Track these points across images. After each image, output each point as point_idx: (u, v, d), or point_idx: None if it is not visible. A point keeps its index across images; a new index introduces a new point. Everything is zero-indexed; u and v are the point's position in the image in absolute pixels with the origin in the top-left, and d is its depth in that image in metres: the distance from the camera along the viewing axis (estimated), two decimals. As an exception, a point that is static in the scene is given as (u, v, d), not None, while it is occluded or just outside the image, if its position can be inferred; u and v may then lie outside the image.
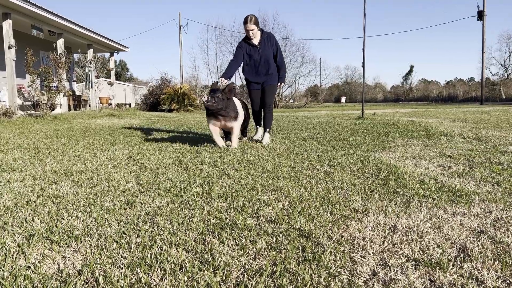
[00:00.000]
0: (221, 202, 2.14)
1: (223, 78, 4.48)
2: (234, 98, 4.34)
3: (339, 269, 1.36)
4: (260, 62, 4.81)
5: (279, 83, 4.93)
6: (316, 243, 1.58)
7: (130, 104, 23.43)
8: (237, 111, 4.27)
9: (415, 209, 2.02)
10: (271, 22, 34.18)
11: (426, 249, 1.52)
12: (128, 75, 57.35)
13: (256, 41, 4.79)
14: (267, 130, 4.96)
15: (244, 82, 5.60)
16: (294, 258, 1.44)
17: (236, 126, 4.27)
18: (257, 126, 5.22)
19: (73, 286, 1.26)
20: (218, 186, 2.48)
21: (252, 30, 4.66)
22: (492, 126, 6.75)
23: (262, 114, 5.10)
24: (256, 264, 1.40)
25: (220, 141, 4.33)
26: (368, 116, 10.07)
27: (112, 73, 17.70)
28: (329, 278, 1.30)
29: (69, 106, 14.35)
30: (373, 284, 1.28)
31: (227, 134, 4.87)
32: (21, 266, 1.38)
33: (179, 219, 1.85)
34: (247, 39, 4.80)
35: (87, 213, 1.97)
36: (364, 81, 10.70)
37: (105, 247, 1.54)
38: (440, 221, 1.84)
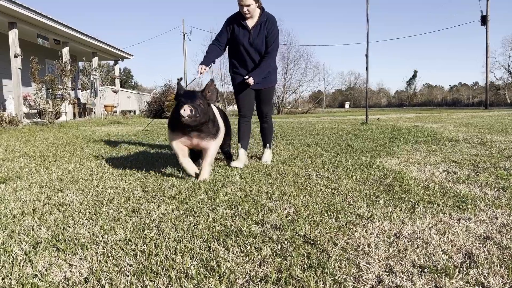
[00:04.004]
0: (226, 209, 2.15)
1: (202, 66, 3.32)
2: (211, 105, 3.07)
3: (344, 276, 1.36)
4: (248, 54, 3.54)
5: (245, 77, 3.49)
6: (321, 250, 1.58)
7: (134, 111, 23.54)
8: (218, 125, 3.01)
9: (420, 215, 2.01)
10: (274, 28, 34.28)
11: (432, 255, 1.52)
12: (133, 83, 57.66)
13: (251, 22, 3.48)
14: (267, 145, 3.80)
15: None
16: (299, 265, 1.44)
17: (213, 147, 2.96)
18: (239, 144, 3.66)
19: (80, 294, 1.27)
20: (223, 193, 2.49)
21: (248, 6, 3.35)
22: (497, 131, 6.71)
23: (245, 127, 3.70)
24: (261, 271, 1.40)
25: (192, 167, 2.97)
26: (372, 122, 10.06)
27: (117, 81, 17.83)
28: (335, 285, 1.30)
29: (74, 113, 14.45)
30: (379, 291, 1.28)
31: (195, 155, 3.39)
32: (28, 274, 1.39)
33: (184, 226, 1.86)
34: (240, 16, 3.49)
35: (93, 220, 1.98)
36: (367, 86, 10.70)
37: (111, 254, 1.55)
38: (445, 227, 1.83)
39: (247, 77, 3.47)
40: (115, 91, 17.34)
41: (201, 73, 3.29)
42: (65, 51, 12.69)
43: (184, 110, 2.61)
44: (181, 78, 2.97)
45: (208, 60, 3.41)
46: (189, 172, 2.94)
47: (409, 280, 1.34)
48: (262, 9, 3.51)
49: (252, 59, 3.56)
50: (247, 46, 3.51)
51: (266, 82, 3.65)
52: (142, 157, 4.18)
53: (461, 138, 5.59)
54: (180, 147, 2.94)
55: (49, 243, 1.66)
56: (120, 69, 19.44)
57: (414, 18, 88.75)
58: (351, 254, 1.54)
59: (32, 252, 1.57)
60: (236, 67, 3.63)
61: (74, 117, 14.37)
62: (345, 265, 1.44)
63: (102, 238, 1.72)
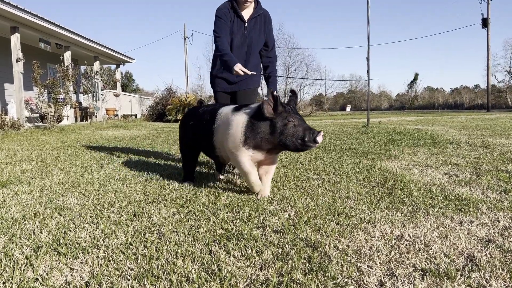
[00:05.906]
0: (227, 213, 2.14)
1: (240, 66, 2.86)
2: None
3: (345, 280, 1.36)
4: (240, 49, 3.16)
5: (272, 91, 3.36)
6: (322, 253, 1.57)
7: (136, 115, 23.59)
8: None
9: (422, 218, 2.01)
10: (276, 31, 34.33)
11: (434, 258, 1.51)
12: (134, 86, 57.78)
13: (246, 14, 3.14)
14: None
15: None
16: (301, 268, 1.44)
17: (277, 160, 2.67)
18: None
19: (81, 298, 1.27)
20: (224, 197, 2.49)
21: None
22: (499, 134, 6.70)
23: None
24: (263, 275, 1.40)
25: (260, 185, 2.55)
26: (373, 125, 10.05)
27: (118, 85, 17.87)
28: (336, 289, 1.30)
29: (75, 117, 14.49)
30: (380, 295, 1.27)
31: (220, 165, 3.15)
32: (29, 278, 1.39)
33: (185, 230, 1.86)
34: (235, 5, 3.11)
35: (94, 224, 1.98)
36: (369, 89, 10.70)
37: (112, 258, 1.55)
38: (447, 230, 1.83)
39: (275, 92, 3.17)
40: (117, 95, 17.39)
41: (240, 72, 2.84)
42: (67, 55, 12.74)
43: (320, 136, 2.30)
44: (274, 90, 2.42)
45: (235, 57, 2.96)
46: (257, 190, 2.50)
47: (410, 283, 1.33)
48: (257, 1, 3.19)
49: (242, 54, 3.17)
50: (241, 39, 3.14)
51: (243, 83, 3.26)
52: (143, 161, 4.18)
53: (462, 141, 5.58)
54: (252, 164, 2.50)
55: (50, 247, 1.66)
56: (121, 73, 19.49)
57: (415, 21, 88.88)
58: (353, 257, 1.54)
59: (33, 256, 1.57)
60: (222, 69, 3.18)
61: (76, 121, 14.41)
62: (346, 268, 1.44)
63: (103, 242, 1.72)
